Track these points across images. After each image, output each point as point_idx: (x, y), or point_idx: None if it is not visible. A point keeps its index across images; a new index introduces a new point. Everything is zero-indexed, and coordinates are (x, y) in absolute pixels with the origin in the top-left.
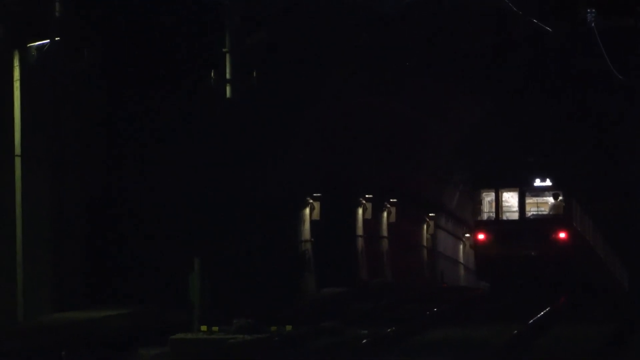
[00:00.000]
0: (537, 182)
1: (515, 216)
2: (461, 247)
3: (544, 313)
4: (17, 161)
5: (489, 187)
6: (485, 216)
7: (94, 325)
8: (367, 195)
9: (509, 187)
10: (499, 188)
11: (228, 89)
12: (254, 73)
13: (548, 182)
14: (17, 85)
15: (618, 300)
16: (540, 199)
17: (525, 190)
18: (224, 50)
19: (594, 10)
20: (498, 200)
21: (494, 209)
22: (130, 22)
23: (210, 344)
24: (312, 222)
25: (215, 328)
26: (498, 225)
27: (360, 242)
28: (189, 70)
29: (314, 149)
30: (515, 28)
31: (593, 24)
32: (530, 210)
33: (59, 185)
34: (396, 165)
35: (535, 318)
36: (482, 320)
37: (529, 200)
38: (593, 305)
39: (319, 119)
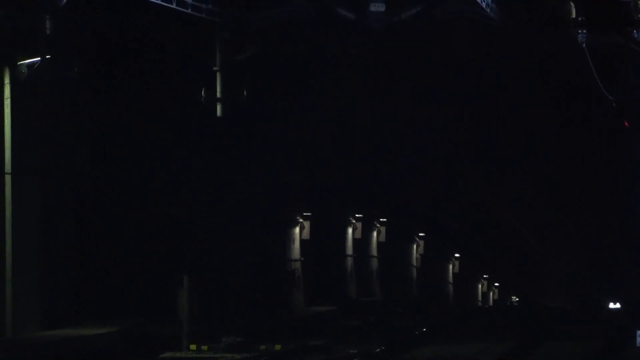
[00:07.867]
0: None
1: None
2: None
3: None
4: (7, 179)
5: None
6: None
7: (83, 343)
8: (357, 215)
9: None
10: None
11: (219, 107)
12: (244, 92)
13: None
14: (7, 102)
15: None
16: None
17: None
18: (214, 68)
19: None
20: None
21: None
22: (120, 39)
23: None
24: (301, 241)
25: (204, 347)
26: None
27: (349, 261)
28: (179, 88)
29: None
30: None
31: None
32: None
33: (49, 202)
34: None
35: None
36: (472, 337)
37: None
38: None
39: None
